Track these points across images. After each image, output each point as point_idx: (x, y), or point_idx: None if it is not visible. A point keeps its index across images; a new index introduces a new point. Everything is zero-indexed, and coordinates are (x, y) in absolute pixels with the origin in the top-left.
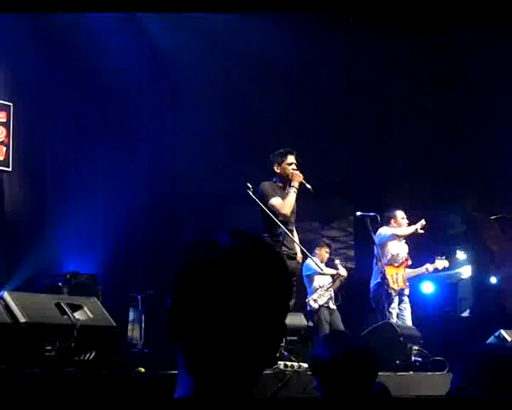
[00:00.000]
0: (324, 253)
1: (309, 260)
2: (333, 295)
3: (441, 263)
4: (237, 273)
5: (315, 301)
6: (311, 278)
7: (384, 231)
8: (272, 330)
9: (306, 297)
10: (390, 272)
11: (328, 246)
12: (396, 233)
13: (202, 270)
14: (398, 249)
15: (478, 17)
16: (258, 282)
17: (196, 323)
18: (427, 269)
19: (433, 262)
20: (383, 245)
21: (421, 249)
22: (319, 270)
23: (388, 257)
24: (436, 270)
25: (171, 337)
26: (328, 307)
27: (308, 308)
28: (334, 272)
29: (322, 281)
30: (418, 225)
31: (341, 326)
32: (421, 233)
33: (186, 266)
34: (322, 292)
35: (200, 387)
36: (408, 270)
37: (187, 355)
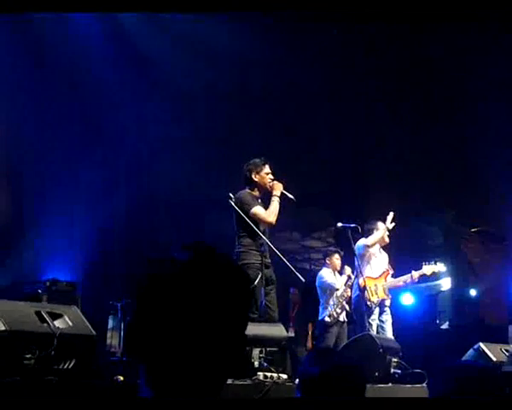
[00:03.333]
0: (335, 260)
1: (323, 271)
2: (346, 306)
3: (429, 268)
4: (194, 287)
5: (329, 316)
6: (323, 289)
7: (359, 242)
8: (232, 341)
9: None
10: (369, 283)
11: (338, 253)
12: (366, 243)
13: (159, 285)
14: (377, 260)
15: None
16: (216, 294)
17: (154, 338)
18: (411, 276)
19: (418, 269)
20: (361, 257)
21: (399, 262)
22: (335, 285)
23: (367, 268)
24: (423, 277)
25: (128, 353)
26: (339, 321)
27: (320, 318)
28: (345, 279)
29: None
30: (387, 223)
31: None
32: (392, 228)
33: (144, 282)
34: (337, 303)
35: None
36: (391, 279)
37: (146, 370)
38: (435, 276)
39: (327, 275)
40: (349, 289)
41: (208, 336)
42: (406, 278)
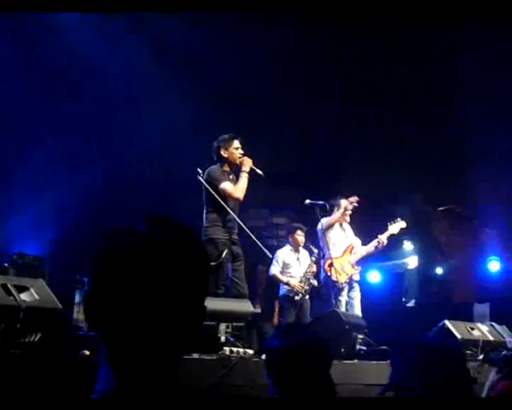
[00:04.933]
0: (297, 236)
1: (282, 249)
2: (313, 281)
3: (396, 226)
4: (153, 259)
5: (297, 293)
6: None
7: (322, 221)
8: (190, 314)
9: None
10: (335, 264)
11: (300, 228)
12: (321, 227)
13: (118, 257)
14: (339, 238)
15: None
16: (174, 267)
17: (113, 310)
18: (379, 241)
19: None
20: (323, 236)
21: (368, 240)
22: (278, 259)
23: (330, 247)
24: (391, 237)
25: (88, 325)
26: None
27: (281, 294)
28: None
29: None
30: (347, 204)
31: (308, 316)
32: (355, 207)
33: (102, 254)
34: (304, 280)
35: (120, 376)
36: (359, 249)
37: (106, 344)
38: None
39: (282, 253)
40: (314, 265)
41: (167, 310)
42: (374, 243)
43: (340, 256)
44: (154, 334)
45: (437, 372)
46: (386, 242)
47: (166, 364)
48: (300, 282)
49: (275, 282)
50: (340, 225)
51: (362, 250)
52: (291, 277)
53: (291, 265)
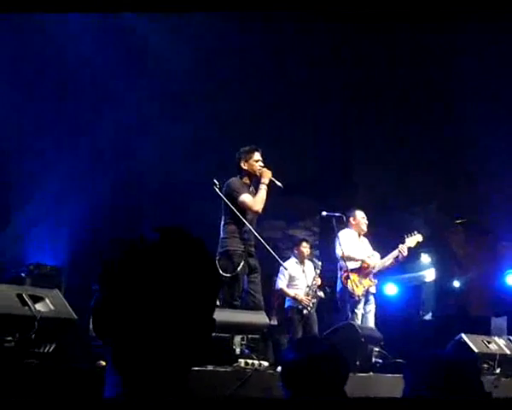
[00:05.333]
0: (303, 249)
1: (287, 262)
2: (320, 294)
3: (413, 239)
4: (162, 270)
5: (306, 307)
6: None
7: (337, 251)
8: (199, 325)
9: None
10: (352, 276)
11: (305, 241)
12: (341, 255)
13: (127, 266)
14: (358, 250)
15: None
16: (183, 278)
17: (122, 320)
18: (400, 251)
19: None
20: (340, 248)
21: (383, 252)
22: (285, 272)
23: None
24: (409, 249)
25: (97, 335)
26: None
27: (286, 305)
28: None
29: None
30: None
31: (315, 329)
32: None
33: (111, 263)
34: (311, 293)
35: (127, 385)
36: (378, 262)
37: (114, 353)
38: (420, 262)
39: (288, 266)
40: (318, 277)
41: (176, 320)
42: (395, 253)
43: (357, 269)
44: (161, 344)
45: (450, 386)
46: (406, 253)
47: (174, 375)
48: (307, 295)
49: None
50: (359, 236)
51: (379, 263)
52: (297, 289)
53: (297, 277)
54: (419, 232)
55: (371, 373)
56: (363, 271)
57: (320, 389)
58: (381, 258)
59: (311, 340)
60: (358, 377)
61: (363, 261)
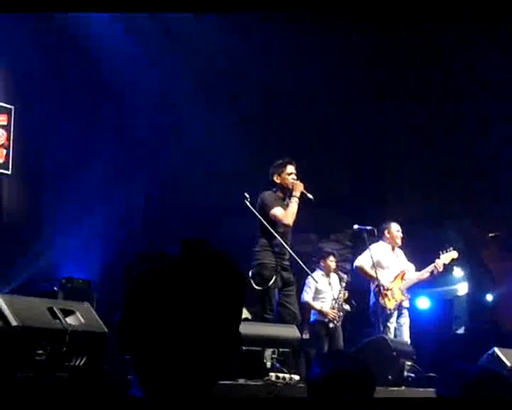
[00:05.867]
0: (329, 262)
1: (314, 274)
2: (346, 307)
3: (448, 256)
4: (186, 284)
5: (332, 320)
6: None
7: (372, 249)
8: (223, 339)
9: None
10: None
11: (333, 255)
12: (356, 265)
13: (151, 281)
14: (391, 263)
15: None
16: (206, 292)
17: (144, 335)
18: (436, 266)
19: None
20: (376, 263)
21: (419, 265)
22: (311, 285)
23: (381, 274)
24: (443, 265)
25: (120, 351)
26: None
27: (312, 320)
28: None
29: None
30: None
31: (341, 343)
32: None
33: (135, 278)
34: (337, 307)
35: (151, 397)
36: (412, 276)
37: (137, 368)
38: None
39: (315, 278)
40: (345, 291)
41: (199, 334)
42: (431, 268)
43: (391, 282)
44: (184, 359)
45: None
46: (442, 269)
47: (197, 389)
48: (333, 308)
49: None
50: (393, 249)
51: (414, 277)
52: (323, 302)
53: (323, 290)
54: (454, 249)
55: (403, 387)
56: (394, 281)
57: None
58: (417, 270)
59: (336, 355)
60: (390, 392)
61: (377, 280)
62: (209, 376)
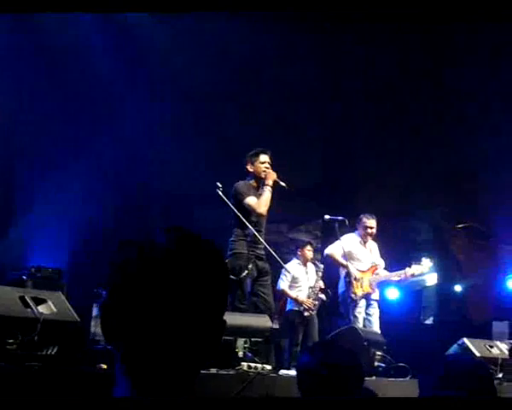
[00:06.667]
0: (307, 251)
1: (289, 263)
2: (322, 296)
3: (419, 268)
4: (172, 271)
5: (307, 309)
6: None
7: (342, 239)
8: (208, 328)
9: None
10: (358, 276)
11: (310, 244)
12: (326, 253)
13: (137, 269)
14: (362, 255)
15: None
16: (193, 280)
17: (131, 323)
18: (406, 273)
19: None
20: (347, 253)
21: (387, 256)
22: (287, 273)
23: (355, 262)
24: (412, 275)
25: (105, 338)
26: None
27: (288, 309)
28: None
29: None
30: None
31: (316, 332)
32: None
33: (121, 266)
34: (313, 295)
35: (137, 387)
36: (385, 273)
37: (123, 356)
38: (422, 274)
39: (290, 267)
40: (321, 280)
41: (186, 322)
42: (401, 273)
43: (364, 271)
44: (171, 347)
45: (466, 390)
46: (409, 277)
47: (184, 377)
48: (309, 297)
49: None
50: (365, 242)
51: (383, 275)
52: (299, 291)
53: (299, 279)
54: (425, 257)
55: (374, 377)
56: (365, 273)
57: (335, 393)
58: (386, 268)
59: (325, 344)
60: None
61: (346, 267)
62: (195, 363)
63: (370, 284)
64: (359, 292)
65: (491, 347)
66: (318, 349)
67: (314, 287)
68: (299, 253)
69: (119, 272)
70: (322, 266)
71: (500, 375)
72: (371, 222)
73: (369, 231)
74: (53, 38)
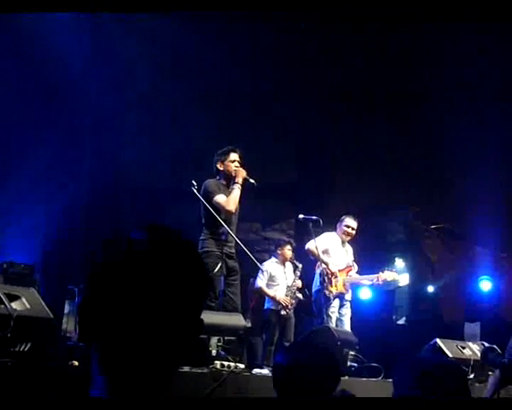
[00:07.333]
0: (287, 251)
1: (267, 262)
2: (299, 295)
3: (390, 275)
4: (149, 270)
5: (284, 308)
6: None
7: (321, 236)
8: (186, 326)
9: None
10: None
11: (290, 243)
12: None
13: (114, 267)
14: (340, 254)
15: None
16: (171, 278)
17: (107, 321)
18: (378, 278)
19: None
20: (325, 251)
21: (360, 256)
22: (262, 278)
23: (332, 260)
24: (384, 281)
25: (80, 336)
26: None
27: (266, 307)
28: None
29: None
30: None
31: (292, 332)
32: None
33: (98, 264)
34: (290, 294)
35: (114, 387)
36: (356, 275)
37: (99, 355)
38: (394, 281)
39: (268, 266)
40: (299, 280)
41: (163, 321)
42: (373, 277)
43: (339, 271)
44: (149, 345)
45: (441, 390)
46: (381, 283)
47: (161, 375)
48: (286, 296)
49: (265, 296)
50: (343, 243)
51: (356, 277)
52: (277, 290)
53: (277, 277)
54: (399, 261)
55: (347, 377)
56: (340, 272)
57: (311, 392)
58: (359, 272)
59: (302, 344)
60: None
61: (326, 264)
62: (172, 361)
63: (344, 284)
64: (334, 290)
65: (463, 348)
66: (295, 349)
67: (291, 286)
68: (278, 252)
69: (97, 269)
70: (300, 265)
71: (471, 376)
72: (352, 223)
73: (349, 230)
74: (27, 36)
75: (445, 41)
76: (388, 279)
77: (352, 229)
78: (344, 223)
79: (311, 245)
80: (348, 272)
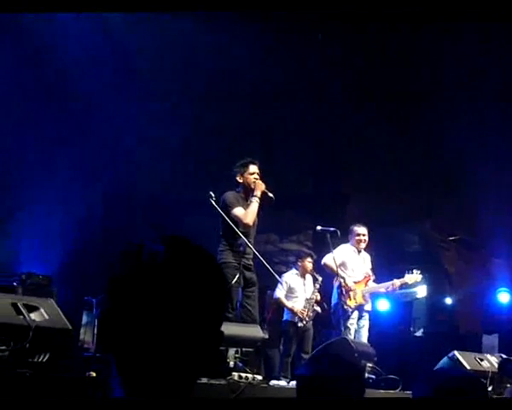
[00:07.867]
0: (307, 263)
1: (287, 274)
2: (317, 308)
3: (412, 277)
4: (169, 281)
5: (302, 320)
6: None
7: (336, 249)
8: (206, 338)
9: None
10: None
11: (310, 256)
12: (323, 262)
13: (134, 279)
14: (356, 265)
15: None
16: (191, 291)
17: (127, 333)
18: (393, 284)
19: (399, 277)
20: (341, 264)
21: (377, 268)
22: (281, 289)
23: (349, 272)
24: (405, 285)
25: (102, 348)
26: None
27: (284, 319)
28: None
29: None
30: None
31: (310, 344)
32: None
33: (118, 275)
34: (308, 307)
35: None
36: (372, 284)
37: (119, 366)
38: (414, 283)
39: (288, 278)
40: (318, 293)
41: (183, 333)
42: (388, 285)
43: (356, 283)
44: (169, 357)
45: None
46: (398, 287)
47: (180, 386)
48: (304, 308)
49: (283, 307)
50: (359, 252)
51: (374, 286)
52: (296, 302)
53: (296, 289)
54: (417, 270)
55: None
56: (358, 284)
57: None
58: (376, 280)
59: (327, 355)
60: None
61: (343, 279)
62: (192, 373)
63: (363, 296)
64: (352, 304)
65: (482, 360)
66: (316, 360)
67: (310, 299)
68: (299, 264)
69: (117, 281)
70: (320, 278)
71: (490, 388)
72: (362, 230)
73: (361, 238)
74: (32, 37)
75: (445, 41)
76: (410, 282)
77: (364, 235)
78: (355, 232)
79: (327, 260)
80: (367, 282)
